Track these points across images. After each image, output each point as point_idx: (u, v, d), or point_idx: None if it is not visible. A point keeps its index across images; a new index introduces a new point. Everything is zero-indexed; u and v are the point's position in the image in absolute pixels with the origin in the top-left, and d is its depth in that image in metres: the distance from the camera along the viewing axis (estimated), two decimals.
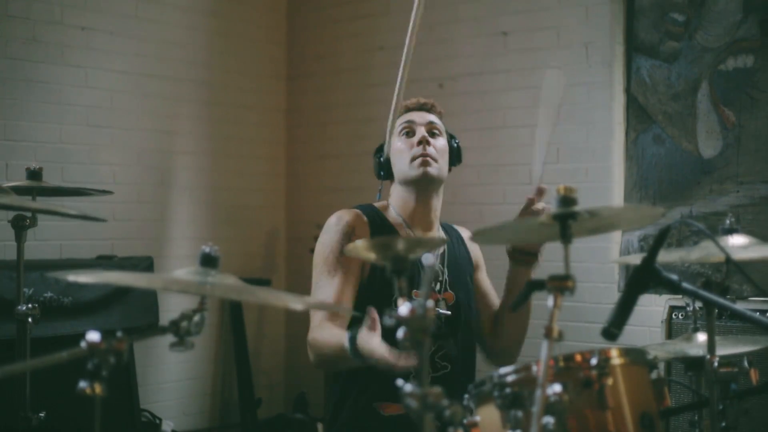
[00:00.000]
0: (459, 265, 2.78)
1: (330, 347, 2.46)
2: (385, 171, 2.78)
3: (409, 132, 2.73)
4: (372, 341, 2.24)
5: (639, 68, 4.51)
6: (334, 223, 2.67)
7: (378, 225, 2.68)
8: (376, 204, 2.79)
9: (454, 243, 2.82)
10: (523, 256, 2.67)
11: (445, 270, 2.72)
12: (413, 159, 2.68)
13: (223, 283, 1.62)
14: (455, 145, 2.83)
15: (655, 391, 1.91)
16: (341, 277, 2.58)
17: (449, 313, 2.66)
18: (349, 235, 2.62)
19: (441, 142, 2.75)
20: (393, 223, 2.71)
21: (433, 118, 2.78)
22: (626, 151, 4.54)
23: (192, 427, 5.24)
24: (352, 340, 2.31)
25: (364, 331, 2.28)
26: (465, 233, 2.89)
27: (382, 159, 2.79)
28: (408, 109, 2.79)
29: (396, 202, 2.76)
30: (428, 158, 2.67)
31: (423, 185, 2.70)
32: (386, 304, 2.52)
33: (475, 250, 2.88)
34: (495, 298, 2.87)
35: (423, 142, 2.69)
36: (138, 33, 5.02)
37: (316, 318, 2.59)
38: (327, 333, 2.51)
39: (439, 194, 2.75)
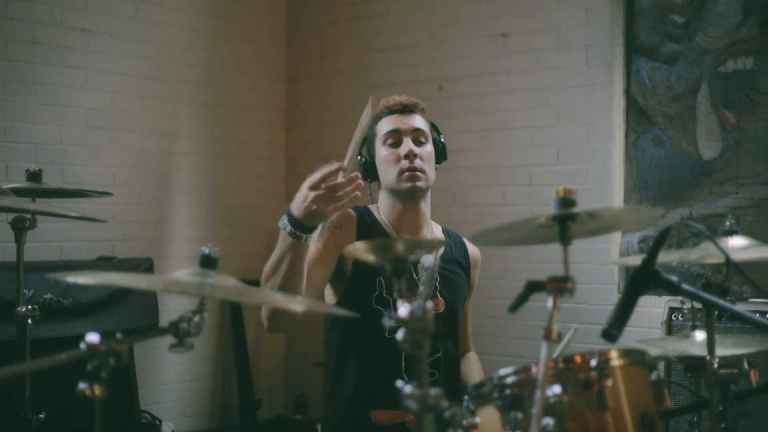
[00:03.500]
0: (454, 272, 2.72)
1: (272, 265, 2.29)
2: (370, 174, 2.69)
3: (395, 142, 2.64)
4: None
5: (639, 70, 4.51)
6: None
7: (367, 223, 2.62)
8: (372, 206, 2.73)
9: (454, 249, 2.75)
10: None
11: (437, 275, 2.66)
12: (401, 172, 2.60)
13: (223, 284, 1.61)
14: (441, 143, 2.74)
15: (655, 393, 1.91)
16: (313, 260, 2.47)
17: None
18: (334, 225, 2.54)
19: (427, 149, 2.66)
20: (382, 224, 2.66)
21: (417, 121, 2.67)
22: (626, 153, 4.54)
23: (192, 428, 5.24)
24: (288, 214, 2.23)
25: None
26: (472, 249, 2.82)
27: (364, 161, 2.69)
28: (391, 111, 2.68)
29: (383, 207, 2.69)
30: (416, 172, 2.60)
31: (411, 196, 2.65)
32: (367, 301, 2.52)
33: (475, 274, 2.82)
34: (468, 331, 2.85)
35: (410, 156, 2.60)
36: (138, 35, 5.02)
37: None
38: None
39: (427, 199, 2.69)
